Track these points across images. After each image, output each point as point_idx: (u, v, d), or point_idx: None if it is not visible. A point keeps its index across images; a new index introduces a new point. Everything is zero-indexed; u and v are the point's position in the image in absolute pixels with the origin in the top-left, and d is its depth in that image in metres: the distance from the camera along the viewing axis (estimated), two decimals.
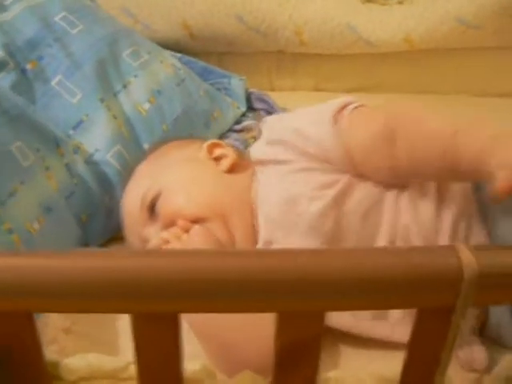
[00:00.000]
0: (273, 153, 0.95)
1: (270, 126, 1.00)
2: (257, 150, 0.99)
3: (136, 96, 1.23)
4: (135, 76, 1.26)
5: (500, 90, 1.66)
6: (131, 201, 1.00)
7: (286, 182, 0.91)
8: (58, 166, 1.03)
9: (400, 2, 1.59)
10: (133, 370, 0.67)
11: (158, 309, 0.55)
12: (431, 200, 0.87)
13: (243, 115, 1.47)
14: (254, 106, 1.51)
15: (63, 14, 1.25)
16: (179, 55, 1.50)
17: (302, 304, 0.57)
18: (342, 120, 0.89)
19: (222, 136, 1.39)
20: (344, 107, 0.91)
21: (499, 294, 0.58)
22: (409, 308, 0.59)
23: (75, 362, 0.67)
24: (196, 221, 0.93)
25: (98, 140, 1.13)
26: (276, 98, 1.57)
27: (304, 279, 0.55)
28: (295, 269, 0.56)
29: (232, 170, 1.01)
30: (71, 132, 1.12)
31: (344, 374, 0.72)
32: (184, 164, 1.02)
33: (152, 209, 0.96)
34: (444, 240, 0.85)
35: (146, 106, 1.23)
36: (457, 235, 0.85)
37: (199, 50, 1.62)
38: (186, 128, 1.28)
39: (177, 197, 0.95)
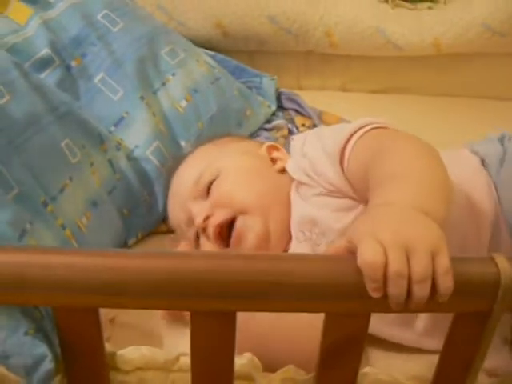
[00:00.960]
0: (297, 172, 0.99)
1: (295, 146, 1.04)
2: (288, 166, 1.04)
3: (174, 94, 1.28)
4: (173, 74, 1.30)
5: None
6: (188, 174, 1.05)
7: (308, 203, 0.95)
8: (101, 162, 1.07)
9: (429, 8, 1.62)
10: (183, 362, 0.72)
11: (216, 307, 0.60)
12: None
13: (273, 114, 1.51)
14: (284, 106, 1.55)
15: (105, 11, 1.29)
16: (212, 53, 1.54)
17: (349, 305, 0.61)
18: (347, 155, 0.90)
19: (253, 134, 1.43)
20: (352, 136, 0.90)
21: None
22: (447, 312, 0.63)
23: (129, 353, 0.71)
24: (242, 211, 0.97)
25: (137, 136, 1.17)
26: (304, 96, 1.61)
27: (351, 282, 0.60)
28: (341, 273, 0.60)
29: (283, 171, 1.05)
30: (112, 128, 1.16)
31: (378, 370, 0.76)
32: (245, 155, 1.08)
33: (207, 187, 1.01)
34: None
35: (183, 103, 1.28)
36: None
37: (230, 48, 1.66)
38: (220, 126, 1.32)
39: (233, 182, 1.00)
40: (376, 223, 0.63)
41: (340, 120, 1.52)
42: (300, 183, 0.99)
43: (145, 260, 0.60)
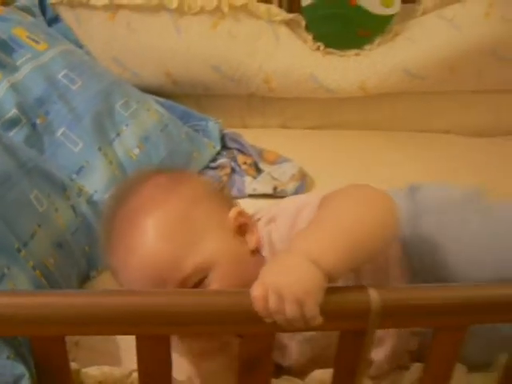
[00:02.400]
0: None
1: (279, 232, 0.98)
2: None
3: (127, 143, 1.46)
4: (126, 125, 1.49)
5: (440, 127, 1.94)
6: (159, 265, 0.90)
7: None
8: (65, 208, 1.25)
9: (357, 54, 1.83)
10: (134, 377, 0.90)
11: (154, 332, 0.78)
12: None
13: (218, 153, 1.70)
14: (228, 145, 1.74)
15: (65, 71, 1.48)
16: (163, 100, 1.74)
17: (256, 328, 0.79)
18: None
19: (199, 173, 1.62)
20: None
21: (398, 320, 0.82)
22: (332, 330, 0.82)
23: (92, 370, 0.89)
24: None
25: (96, 183, 1.36)
26: (247, 134, 1.82)
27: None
28: (248, 304, 0.78)
29: (256, 251, 0.97)
30: (74, 176, 1.34)
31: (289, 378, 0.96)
32: (222, 234, 0.95)
33: (197, 281, 0.91)
34: None
35: (136, 151, 1.47)
36: None
37: (179, 93, 1.86)
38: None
39: (232, 279, 0.91)
40: (269, 268, 0.79)
41: (278, 157, 1.72)
42: None
43: (99, 298, 0.78)
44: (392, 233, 0.88)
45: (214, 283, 0.91)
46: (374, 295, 0.80)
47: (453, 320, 0.82)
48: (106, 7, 1.73)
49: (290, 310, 0.74)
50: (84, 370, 0.89)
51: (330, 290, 0.80)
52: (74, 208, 1.28)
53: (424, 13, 1.81)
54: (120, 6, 1.73)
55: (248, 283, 0.83)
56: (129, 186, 0.99)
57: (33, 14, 1.68)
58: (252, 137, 1.81)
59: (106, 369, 0.90)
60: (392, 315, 0.80)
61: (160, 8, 1.73)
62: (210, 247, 0.92)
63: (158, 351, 0.80)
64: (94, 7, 1.73)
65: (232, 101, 1.90)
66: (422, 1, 1.82)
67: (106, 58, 1.76)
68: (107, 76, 1.58)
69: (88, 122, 1.42)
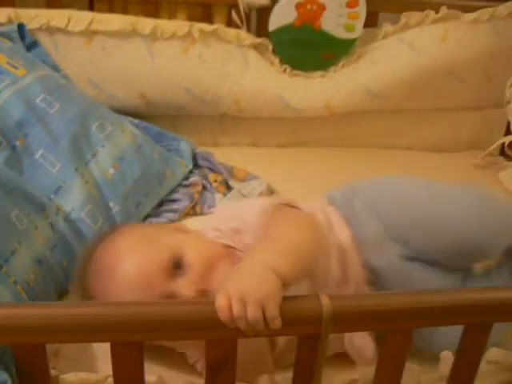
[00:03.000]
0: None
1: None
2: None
3: (103, 163, 1.54)
4: (102, 146, 1.56)
5: (404, 144, 2.07)
6: (143, 266, 1.07)
7: None
8: (44, 226, 1.32)
9: (322, 76, 1.92)
10: (110, 381, 0.97)
11: (127, 338, 0.86)
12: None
13: (190, 172, 1.78)
14: (200, 164, 1.82)
15: (43, 95, 1.54)
16: (137, 121, 1.81)
17: (219, 333, 0.88)
18: None
19: (172, 191, 1.70)
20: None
21: (349, 325, 0.91)
22: (289, 335, 0.91)
23: (69, 376, 0.97)
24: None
25: (73, 202, 1.43)
26: (219, 152, 1.90)
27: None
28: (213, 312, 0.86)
29: None
30: (52, 196, 1.41)
31: None
32: (177, 233, 1.19)
33: (177, 266, 1.08)
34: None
35: (111, 171, 1.54)
36: None
37: (154, 113, 1.94)
38: (143, 187, 1.59)
39: (202, 247, 1.12)
40: (232, 277, 0.90)
41: (248, 174, 1.81)
42: None
43: (76, 308, 0.86)
44: (321, 245, 1.09)
45: (190, 258, 1.08)
46: (325, 302, 0.88)
47: (397, 324, 0.91)
48: (82, 33, 1.80)
49: (252, 312, 0.83)
50: (62, 377, 0.96)
51: (288, 299, 0.89)
52: (52, 226, 1.35)
53: (385, 36, 1.91)
54: (96, 32, 1.81)
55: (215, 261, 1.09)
56: (100, 244, 1.18)
57: (12, 40, 1.75)
58: (223, 155, 1.89)
59: (83, 375, 0.97)
60: (343, 320, 0.89)
61: (134, 34, 1.81)
62: (174, 238, 1.14)
63: (130, 357, 0.88)
64: (72, 33, 1.80)
65: (205, 121, 1.98)
66: (382, 25, 1.92)
67: (83, 80, 1.83)
68: (83, 99, 1.66)
69: (65, 144, 1.49)
